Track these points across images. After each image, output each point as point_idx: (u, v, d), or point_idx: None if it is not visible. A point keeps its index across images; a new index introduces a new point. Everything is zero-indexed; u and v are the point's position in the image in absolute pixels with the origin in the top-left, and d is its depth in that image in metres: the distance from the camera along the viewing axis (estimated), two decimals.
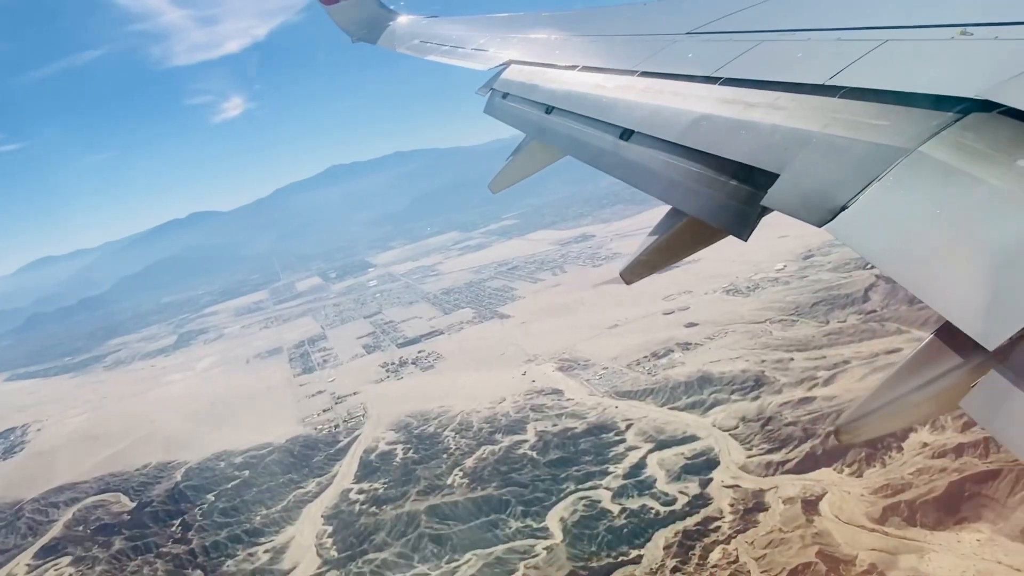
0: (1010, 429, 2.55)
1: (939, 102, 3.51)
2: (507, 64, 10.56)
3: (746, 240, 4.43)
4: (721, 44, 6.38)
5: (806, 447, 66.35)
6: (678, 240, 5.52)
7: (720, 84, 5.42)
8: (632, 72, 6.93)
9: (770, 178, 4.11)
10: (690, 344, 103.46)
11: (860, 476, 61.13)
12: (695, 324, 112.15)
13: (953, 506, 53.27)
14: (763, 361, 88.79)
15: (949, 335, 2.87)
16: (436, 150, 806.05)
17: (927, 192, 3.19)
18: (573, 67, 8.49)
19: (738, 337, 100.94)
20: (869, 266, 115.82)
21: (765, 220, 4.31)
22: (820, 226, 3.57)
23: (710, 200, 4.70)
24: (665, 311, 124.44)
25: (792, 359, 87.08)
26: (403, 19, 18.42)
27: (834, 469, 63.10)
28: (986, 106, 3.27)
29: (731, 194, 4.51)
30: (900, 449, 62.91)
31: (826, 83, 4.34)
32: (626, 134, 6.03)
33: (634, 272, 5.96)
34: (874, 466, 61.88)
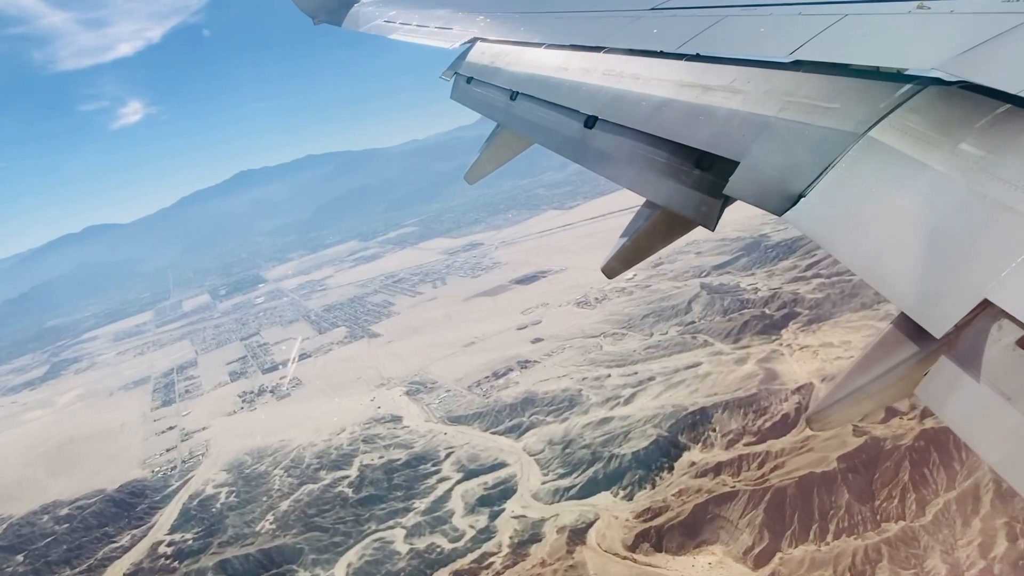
0: (958, 416, 2.52)
1: (894, 77, 3.54)
2: (473, 42, 10.06)
3: (713, 230, 4.38)
4: (684, 20, 6.31)
5: (590, 471, 68.37)
6: (652, 232, 5.45)
7: (683, 62, 5.36)
8: (595, 50, 6.82)
9: (731, 166, 4.05)
10: (529, 362, 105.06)
11: (631, 499, 63.46)
12: (540, 340, 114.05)
13: (696, 529, 55.98)
14: (584, 379, 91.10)
15: (906, 324, 2.83)
16: (349, 153, 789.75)
17: (876, 179, 3.19)
18: (538, 45, 8.29)
19: (572, 353, 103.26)
20: (704, 274, 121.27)
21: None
22: (780, 215, 3.54)
23: (676, 190, 4.63)
24: (519, 326, 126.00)
25: (609, 376, 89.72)
26: None
27: (612, 492, 65.27)
28: (938, 80, 3.28)
29: (695, 183, 4.45)
30: (671, 469, 65.72)
31: (786, 59, 4.33)
32: (590, 121, 5.93)
33: (614, 267, 5.84)
34: (645, 488, 64.38)
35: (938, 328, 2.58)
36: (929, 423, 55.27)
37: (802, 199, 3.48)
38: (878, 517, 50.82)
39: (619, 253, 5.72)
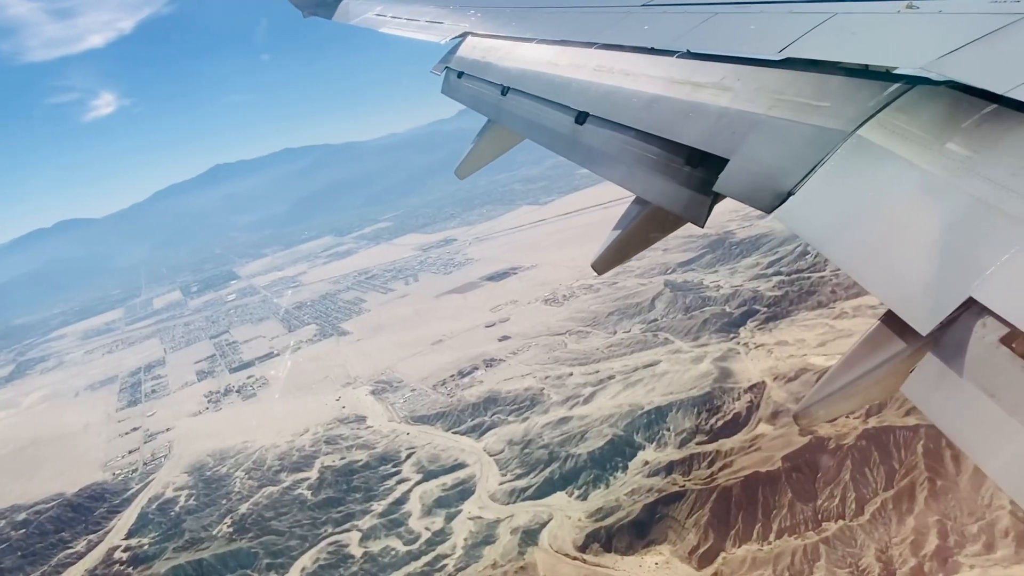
0: (944, 412, 2.53)
1: (883, 76, 3.55)
2: (464, 36, 9.93)
3: (702, 227, 4.35)
4: (675, 16, 6.31)
5: (547, 471, 68.71)
6: (642, 229, 5.43)
7: (675, 58, 5.34)
8: (587, 45, 6.80)
9: (721, 163, 4.07)
10: (495, 360, 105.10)
11: (585, 499, 63.91)
12: (507, 338, 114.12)
13: (644, 529, 56.56)
14: (547, 377, 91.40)
15: (892, 321, 2.83)
16: (327, 146, 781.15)
17: (865, 178, 3.22)
18: (530, 40, 8.28)
19: (537, 351, 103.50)
20: (670, 271, 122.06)
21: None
22: (769, 212, 3.54)
23: (665, 186, 4.64)
24: (488, 323, 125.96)
25: (571, 374, 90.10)
26: None
27: (567, 492, 65.68)
28: (926, 79, 3.29)
29: (685, 180, 4.46)
30: (625, 468, 66.27)
31: (776, 57, 4.34)
32: (581, 117, 5.90)
33: (604, 263, 5.82)
34: (599, 487, 64.87)
35: (924, 325, 2.61)
36: (872, 422, 56.32)
37: (791, 197, 3.50)
38: (819, 516, 51.72)
39: (608, 249, 5.73)
